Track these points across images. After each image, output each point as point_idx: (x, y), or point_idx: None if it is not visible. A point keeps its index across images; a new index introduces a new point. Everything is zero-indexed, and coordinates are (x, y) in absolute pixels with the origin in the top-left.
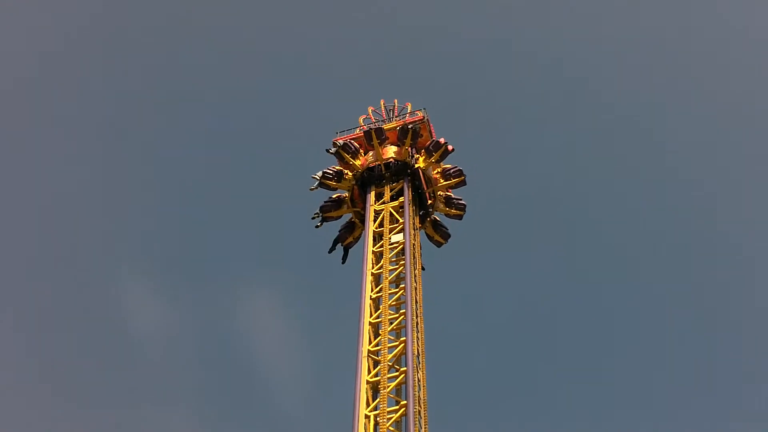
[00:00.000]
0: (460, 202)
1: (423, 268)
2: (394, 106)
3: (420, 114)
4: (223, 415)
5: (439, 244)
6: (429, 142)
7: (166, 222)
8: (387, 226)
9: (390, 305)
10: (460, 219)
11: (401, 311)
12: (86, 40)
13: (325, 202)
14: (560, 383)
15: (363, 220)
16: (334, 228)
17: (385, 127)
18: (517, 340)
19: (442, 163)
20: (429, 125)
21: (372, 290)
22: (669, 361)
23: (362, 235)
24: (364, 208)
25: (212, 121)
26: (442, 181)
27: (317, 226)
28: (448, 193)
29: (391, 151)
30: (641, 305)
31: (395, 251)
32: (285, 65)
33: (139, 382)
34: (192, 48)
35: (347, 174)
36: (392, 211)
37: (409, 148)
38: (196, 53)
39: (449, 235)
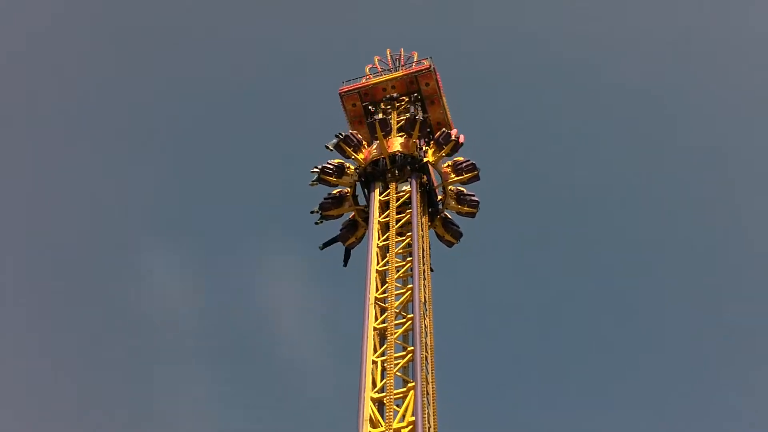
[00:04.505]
0: (473, 198)
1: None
2: (400, 55)
3: (426, 63)
4: (233, 368)
5: (450, 244)
6: (435, 93)
7: (180, 186)
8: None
9: (397, 253)
10: (473, 217)
11: (408, 259)
12: None
13: (324, 198)
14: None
15: (366, 219)
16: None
17: (391, 76)
18: (525, 291)
19: (453, 157)
20: (435, 74)
21: (379, 239)
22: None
23: (365, 235)
24: (367, 206)
25: (213, 78)
26: (453, 175)
27: (317, 223)
28: (460, 189)
29: (397, 144)
30: (660, 304)
31: (402, 200)
32: (289, 14)
33: (153, 346)
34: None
35: (349, 168)
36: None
37: (417, 141)
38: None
39: (461, 234)
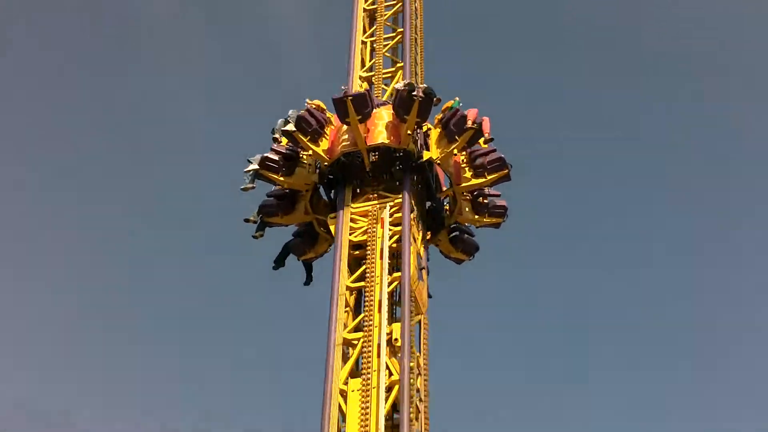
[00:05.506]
0: (498, 204)
1: None
2: None
3: None
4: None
5: (459, 261)
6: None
7: None
8: None
9: None
10: (498, 227)
11: None
12: None
13: (267, 195)
14: None
15: (329, 228)
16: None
17: None
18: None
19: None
20: None
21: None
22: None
23: (330, 249)
24: (334, 212)
25: None
26: (469, 175)
27: (255, 236)
28: (480, 191)
29: (381, 130)
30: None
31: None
32: None
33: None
34: None
35: (305, 157)
36: None
37: (414, 129)
38: None
39: (476, 247)
